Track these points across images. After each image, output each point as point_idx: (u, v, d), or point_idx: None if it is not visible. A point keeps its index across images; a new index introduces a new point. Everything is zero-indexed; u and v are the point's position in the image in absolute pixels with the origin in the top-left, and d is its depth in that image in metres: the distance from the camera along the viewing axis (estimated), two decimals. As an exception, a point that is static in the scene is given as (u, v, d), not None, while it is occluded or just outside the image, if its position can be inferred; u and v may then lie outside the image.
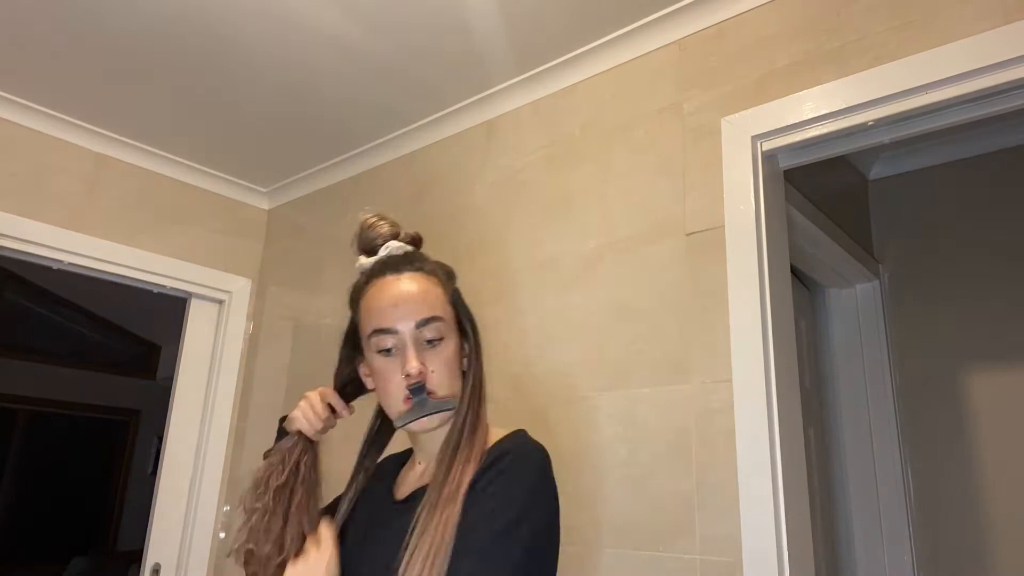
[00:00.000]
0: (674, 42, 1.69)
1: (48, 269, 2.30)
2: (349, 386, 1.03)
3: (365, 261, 0.99)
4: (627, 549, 1.44)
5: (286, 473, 0.95)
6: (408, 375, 0.90)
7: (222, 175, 2.64)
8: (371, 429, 1.08)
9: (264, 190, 2.76)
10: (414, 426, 0.91)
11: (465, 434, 0.90)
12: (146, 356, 5.72)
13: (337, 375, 1.05)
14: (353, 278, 1.00)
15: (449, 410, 0.91)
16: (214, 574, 2.42)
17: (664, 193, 1.61)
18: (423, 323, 0.91)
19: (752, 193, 1.45)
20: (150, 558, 2.37)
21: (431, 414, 0.90)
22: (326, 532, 0.95)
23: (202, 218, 2.61)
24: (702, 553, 1.35)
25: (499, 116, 2.04)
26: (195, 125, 2.30)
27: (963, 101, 1.30)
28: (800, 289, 2.27)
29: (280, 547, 0.92)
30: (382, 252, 0.97)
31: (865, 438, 2.26)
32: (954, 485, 2.13)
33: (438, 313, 0.93)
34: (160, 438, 2.77)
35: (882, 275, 2.37)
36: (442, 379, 0.92)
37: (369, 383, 1.00)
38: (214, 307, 2.63)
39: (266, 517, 0.92)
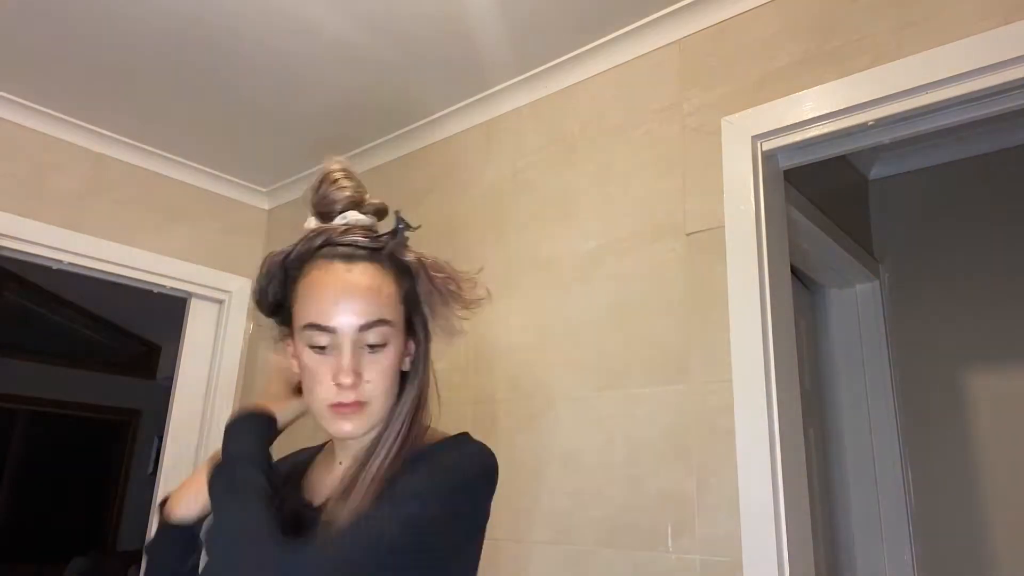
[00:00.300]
0: (674, 42, 1.69)
1: (48, 269, 2.30)
2: None
3: (314, 226, 0.87)
4: (627, 549, 1.44)
5: None
6: (339, 384, 0.80)
7: (222, 175, 2.64)
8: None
9: (264, 190, 2.76)
10: (338, 431, 0.83)
11: (397, 437, 0.83)
12: (146, 356, 5.72)
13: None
14: (296, 236, 0.87)
15: None
16: (214, 574, 2.42)
17: (664, 193, 1.61)
18: (366, 326, 0.81)
19: (752, 193, 1.45)
20: (150, 558, 2.37)
21: None
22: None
23: (202, 218, 2.61)
24: (702, 553, 1.35)
25: (499, 116, 2.04)
26: (195, 125, 2.30)
27: (963, 101, 1.30)
28: (800, 289, 2.27)
29: None
30: (338, 220, 0.86)
31: (865, 438, 2.26)
32: (954, 485, 2.13)
33: (386, 316, 0.82)
34: (160, 438, 2.77)
35: (882, 275, 2.37)
36: (376, 390, 0.82)
37: (293, 364, 0.89)
38: (214, 307, 2.63)
39: None
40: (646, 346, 1.54)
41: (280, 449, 0.97)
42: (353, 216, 0.86)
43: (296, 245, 0.86)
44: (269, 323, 0.94)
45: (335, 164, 0.88)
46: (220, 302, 2.63)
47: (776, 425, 1.33)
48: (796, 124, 1.44)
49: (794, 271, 2.01)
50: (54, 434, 5.36)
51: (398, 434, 0.83)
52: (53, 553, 5.07)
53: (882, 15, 1.38)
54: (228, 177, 2.66)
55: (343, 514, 0.76)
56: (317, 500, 0.87)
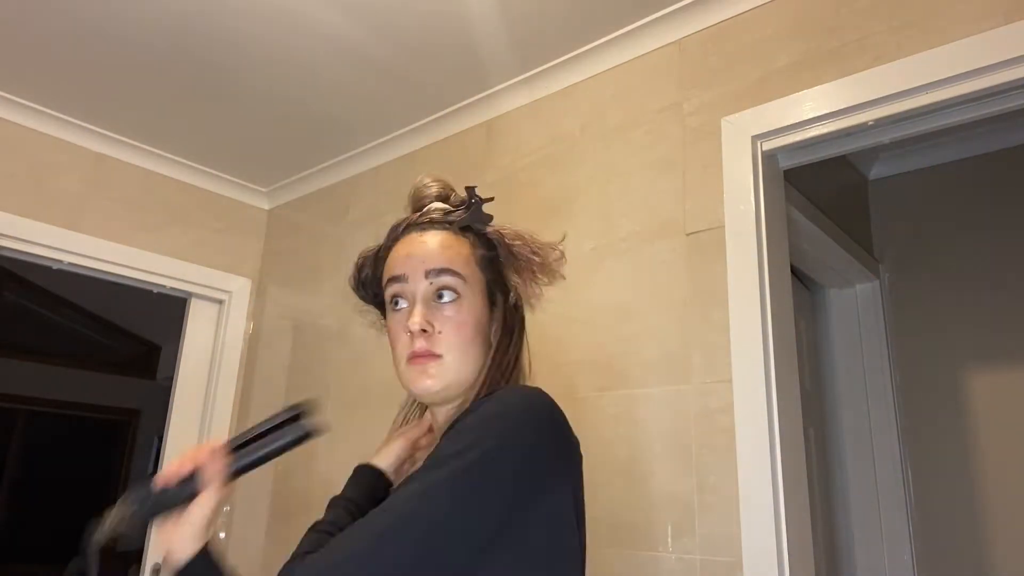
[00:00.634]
0: (674, 42, 1.69)
1: (48, 269, 2.30)
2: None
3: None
4: (627, 549, 1.44)
5: None
6: (410, 330, 0.80)
7: (222, 175, 2.64)
8: (403, 415, 0.98)
9: (264, 190, 2.76)
10: (419, 389, 0.81)
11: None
12: (146, 356, 5.72)
13: None
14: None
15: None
16: (214, 574, 2.42)
17: (664, 193, 1.61)
18: (434, 273, 0.82)
19: (752, 193, 1.45)
20: (150, 558, 2.37)
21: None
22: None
23: (202, 218, 2.61)
24: (702, 553, 1.35)
25: (499, 116, 2.04)
26: (195, 125, 2.30)
27: (963, 101, 1.30)
28: (800, 289, 2.27)
29: None
30: (426, 208, 0.90)
31: (865, 438, 2.26)
32: (954, 485, 2.13)
33: (455, 267, 0.83)
34: (160, 438, 2.77)
35: (882, 275, 2.37)
36: (450, 343, 0.81)
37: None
38: (214, 307, 2.63)
39: None
40: (646, 346, 1.54)
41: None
42: (437, 206, 0.90)
43: (384, 239, 0.91)
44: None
45: (424, 175, 0.94)
46: (220, 302, 2.63)
47: (776, 425, 1.33)
48: (796, 124, 1.44)
49: (794, 271, 2.01)
50: (54, 434, 5.36)
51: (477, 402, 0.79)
52: (53, 553, 5.07)
53: (882, 15, 1.38)
54: (228, 177, 2.66)
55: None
56: None
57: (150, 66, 1.98)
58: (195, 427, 2.51)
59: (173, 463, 0.76)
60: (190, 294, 2.56)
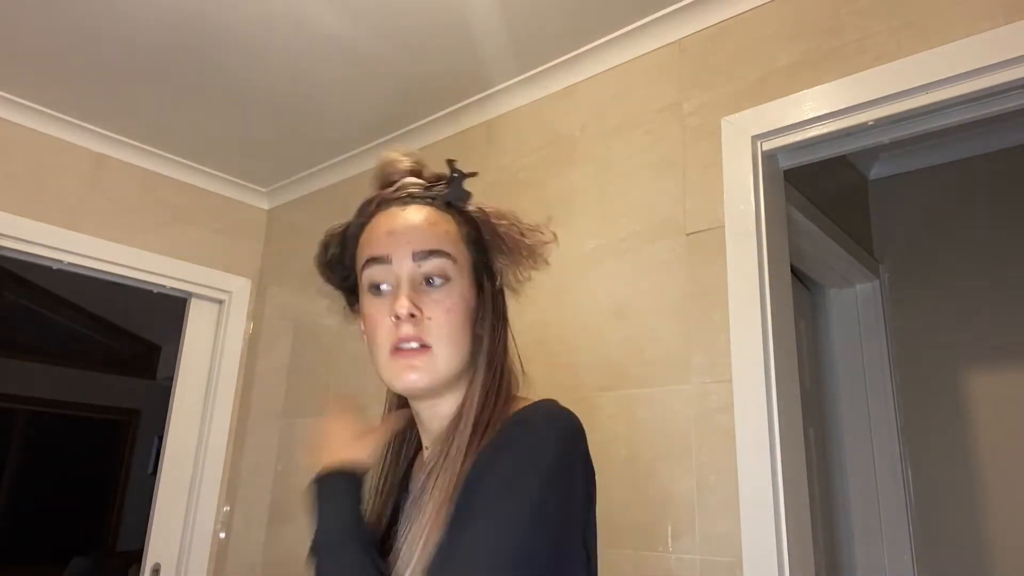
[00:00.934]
0: (674, 42, 1.69)
1: (48, 269, 2.30)
2: None
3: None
4: (627, 549, 1.44)
5: None
6: (397, 316, 0.73)
7: (222, 175, 2.64)
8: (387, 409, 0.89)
9: (264, 190, 2.76)
10: (403, 384, 0.75)
11: (475, 407, 0.75)
12: (146, 356, 5.72)
13: None
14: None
15: None
16: (214, 574, 2.42)
17: (664, 193, 1.61)
18: (422, 256, 0.75)
19: (752, 193, 1.45)
20: (150, 558, 2.37)
21: None
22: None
23: (202, 218, 2.61)
24: (702, 553, 1.35)
25: (499, 116, 2.04)
26: (195, 125, 2.30)
27: (963, 101, 1.30)
28: (800, 289, 2.27)
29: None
30: (402, 183, 0.82)
31: (865, 438, 2.26)
32: (954, 485, 2.13)
33: (444, 248, 0.76)
34: (160, 438, 2.77)
35: (882, 275, 2.37)
36: (440, 332, 0.74)
37: (362, 335, 0.81)
38: (214, 307, 2.63)
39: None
40: (646, 346, 1.54)
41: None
42: (412, 180, 0.82)
43: (354, 216, 0.84)
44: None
45: (392, 151, 0.86)
46: (220, 302, 2.63)
47: (776, 425, 1.33)
48: (796, 124, 1.44)
49: (794, 271, 2.01)
50: (54, 434, 5.36)
51: (479, 407, 0.75)
52: (53, 553, 5.07)
53: (882, 15, 1.38)
54: (228, 177, 2.66)
55: (415, 546, 0.68)
56: (411, 493, 0.80)
57: (150, 66, 1.98)
58: (195, 427, 2.52)
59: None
60: (190, 294, 2.57)
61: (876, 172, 2.49)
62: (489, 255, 0.83)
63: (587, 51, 1.81)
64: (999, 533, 2.04)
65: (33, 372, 5.19)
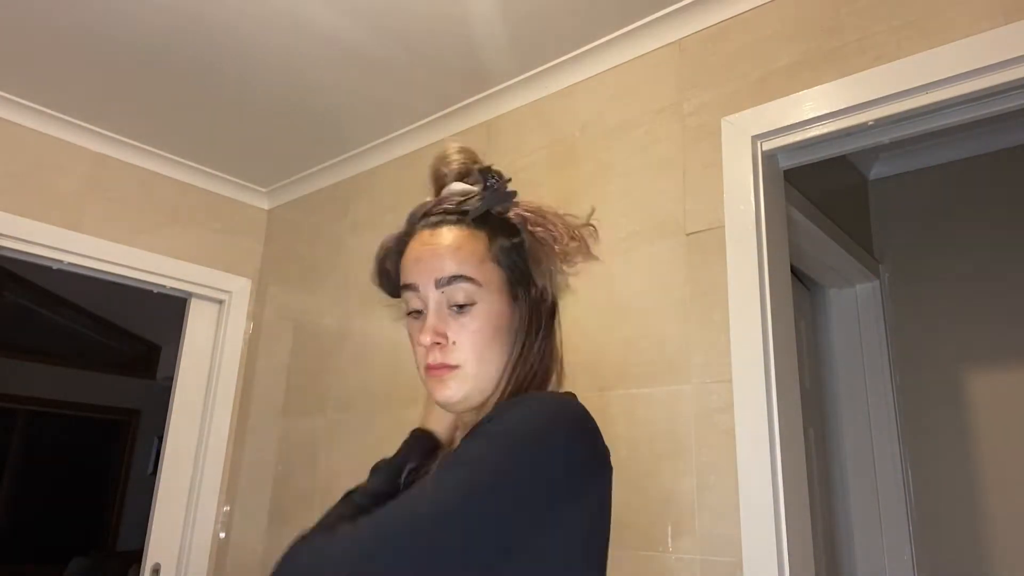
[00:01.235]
0: (674, 42, 1.69)
1: (48, 269, 2.30)
2: None
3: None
4: (627, 549, 1.44)
5: None
6: (421, 344, 0.78)
7: (222, 175, 2.64)
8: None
9: (264, 190, 2.76)
10: (437, 397, 0.80)
11: (492, 407, 0.78)
12: (146, 356, 5.72)
13: None
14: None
15: None
16: (214, 574, 2.42)
17: (664, 193, 1.61)
18: (444, 282, 0.78)
19: (752, 193, 1.45)
20: (150, 558, 2.37)
21: None
22: None
23: (202, 218, 2.61)
24: (702, 553, 1.35)
25: (499, 116, 2.04)
26: (195, 125, 2.31)
27: (963, 101, 1.30)
28: (800, 289, 2.27)
29: None
30: (444, 193, 0.85)
31: (865, 438, 2.26)
32: (954, 485, 2.13)
33: (467, 272, 0.78)
34: (160, 438, 2.77)
35: (882, 275, 2.37)
36: (466, 353, 0.78)
37: None
38: (214, 307, 2.63)
39: None
40: (646, 346, 1.54)
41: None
42: (456, 188, 0.85)
43: (404, 224, 0.87)
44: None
45: (450, 143, 0.88)
46: (220, 302, 2.63)
47: (776, 425, 1.33)
48: (796, 124, 1.44)
49: (794, 271, 2.01)
50: (54, 434, 5.36)
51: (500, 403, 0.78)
52: (53, 553, 5.07)
53: (882, 15, 1.38)
54: (228, 177, 2.66)
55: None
56: None
57: (150, 66, 1.98)
58: (195, 427, 2.52)
59: None
60: (190, 294, 2.57)
61: (876, 172, 2.49)
62: (527, 262, 0.84)
63: (587, 51, 1.81)
64: (999, 533, 2.04)
65: (33, 372, 5.19)
